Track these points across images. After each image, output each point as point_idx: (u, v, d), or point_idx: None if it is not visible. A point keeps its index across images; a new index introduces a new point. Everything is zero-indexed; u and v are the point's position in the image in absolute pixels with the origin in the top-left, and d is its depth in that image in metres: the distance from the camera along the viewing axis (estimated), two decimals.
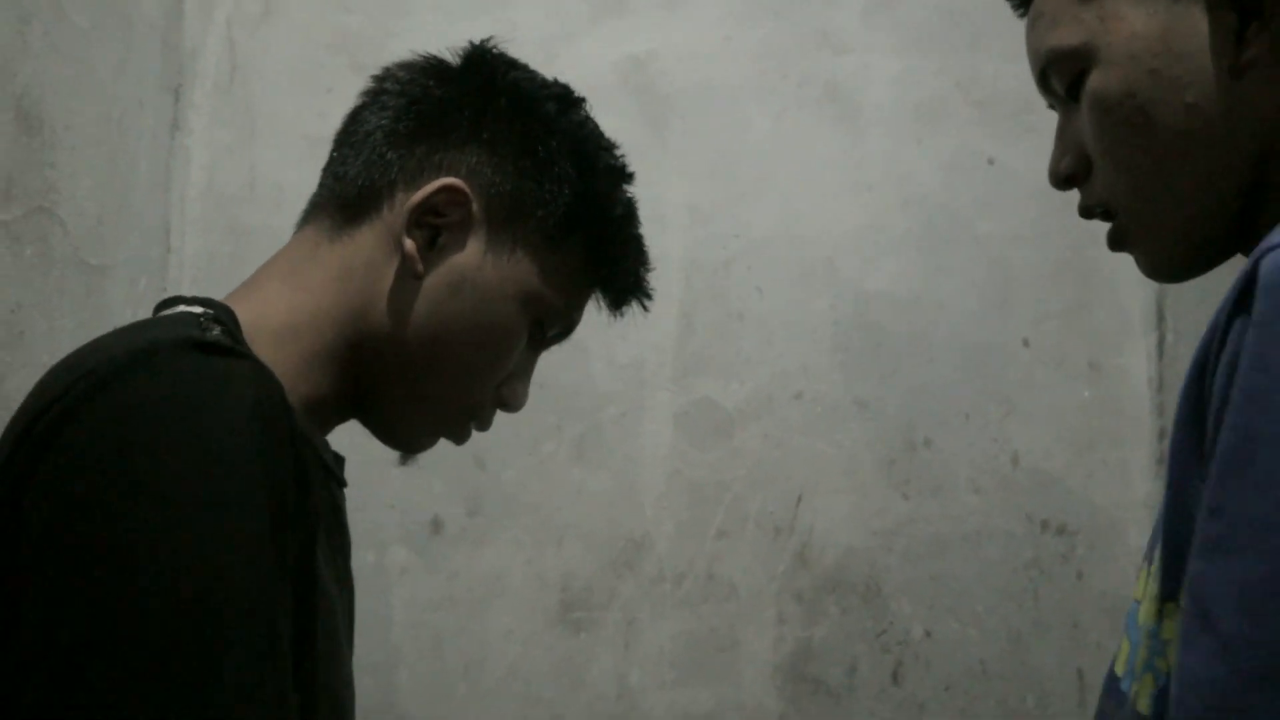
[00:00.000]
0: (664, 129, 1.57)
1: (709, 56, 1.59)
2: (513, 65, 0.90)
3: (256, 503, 0.65)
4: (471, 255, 0.84)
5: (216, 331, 0.71)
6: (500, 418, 0.91)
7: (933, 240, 1.58)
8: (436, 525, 1.46)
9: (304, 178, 1.43)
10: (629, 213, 0.91)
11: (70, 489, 0.62)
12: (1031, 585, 1.54)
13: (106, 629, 0.61)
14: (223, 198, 1.48)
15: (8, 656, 0.62)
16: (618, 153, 0.92)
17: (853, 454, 1.56)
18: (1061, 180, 0.77)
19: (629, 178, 0.92)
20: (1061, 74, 0.75)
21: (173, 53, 1.35)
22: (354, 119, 0.87)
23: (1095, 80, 0.71)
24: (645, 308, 0.96)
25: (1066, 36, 0.73)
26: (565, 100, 0.89)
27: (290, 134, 1.50)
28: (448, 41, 0.88)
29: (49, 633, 0.61)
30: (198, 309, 0.76)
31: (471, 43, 0.89)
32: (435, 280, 0.83)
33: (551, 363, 1.22)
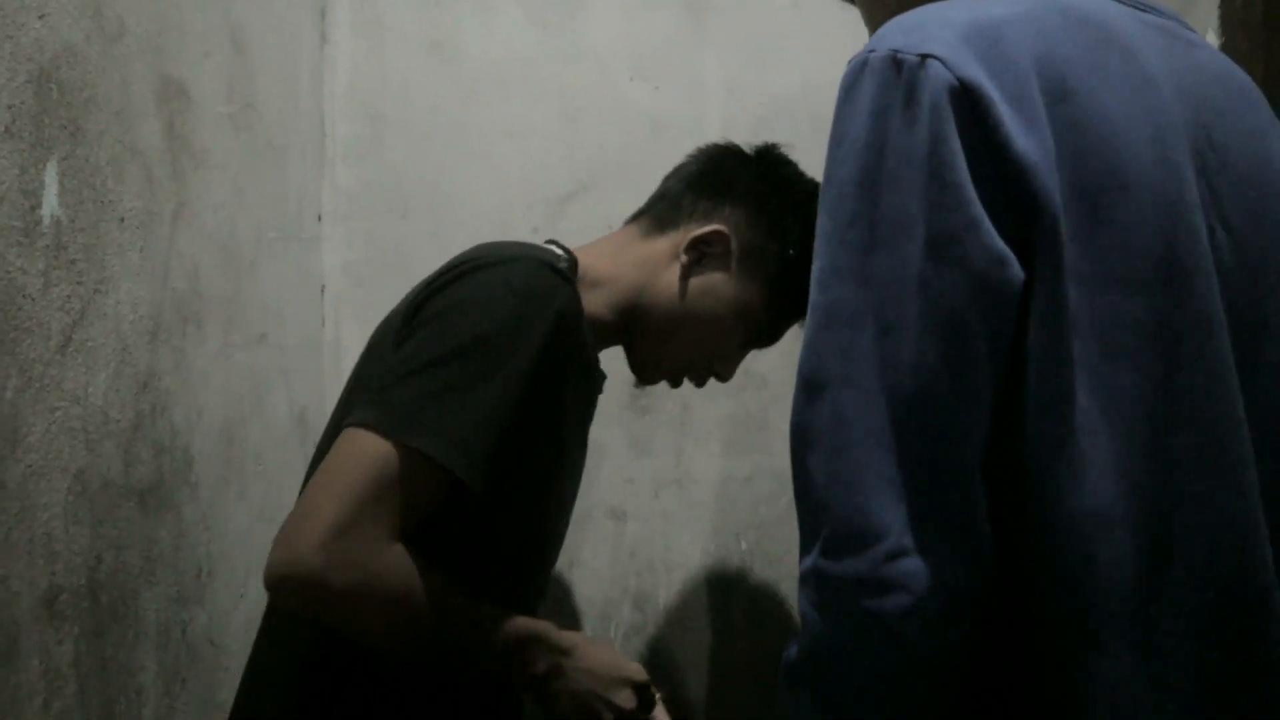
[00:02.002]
0: (702, 16, 1.70)
1: None
2: (785, 163, 1.22)
3: (536, 347, 0.94)
4: (720, 277, 1.15)
5: (564, 266, 1.02)
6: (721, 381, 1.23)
7: None
8: None
9: (423, 75, 1.72)
10: None
11: (447, 306, 0.95)
12: None
13: (437, 350, 0.92)
14: (361, 93, 1.66)
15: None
16: None
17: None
18: None
19: None
20: None
21: None
22: (680, 167, 1.22)
23: None
24: None
25: None
26: (812, 195, 1.12)
27: (411, 41, 1.66)
28: None
29: (410, 348, 0.93)
30: (560, 251, 1.10)
31: (768, 144, 1.23)
32: (693, 286, 1.15)
33: (616, 209, 1.48)
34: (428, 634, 0.92)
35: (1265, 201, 0.75)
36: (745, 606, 1.70)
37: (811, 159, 1.66)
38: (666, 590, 1.70)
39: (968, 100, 0.65)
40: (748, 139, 1.67)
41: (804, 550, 0.67)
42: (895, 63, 0.67)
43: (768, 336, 1.23)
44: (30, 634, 0.84)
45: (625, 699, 1.02)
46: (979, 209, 0.64)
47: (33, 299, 0.85)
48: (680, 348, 1.18)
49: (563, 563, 1.66)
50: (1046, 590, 0.65)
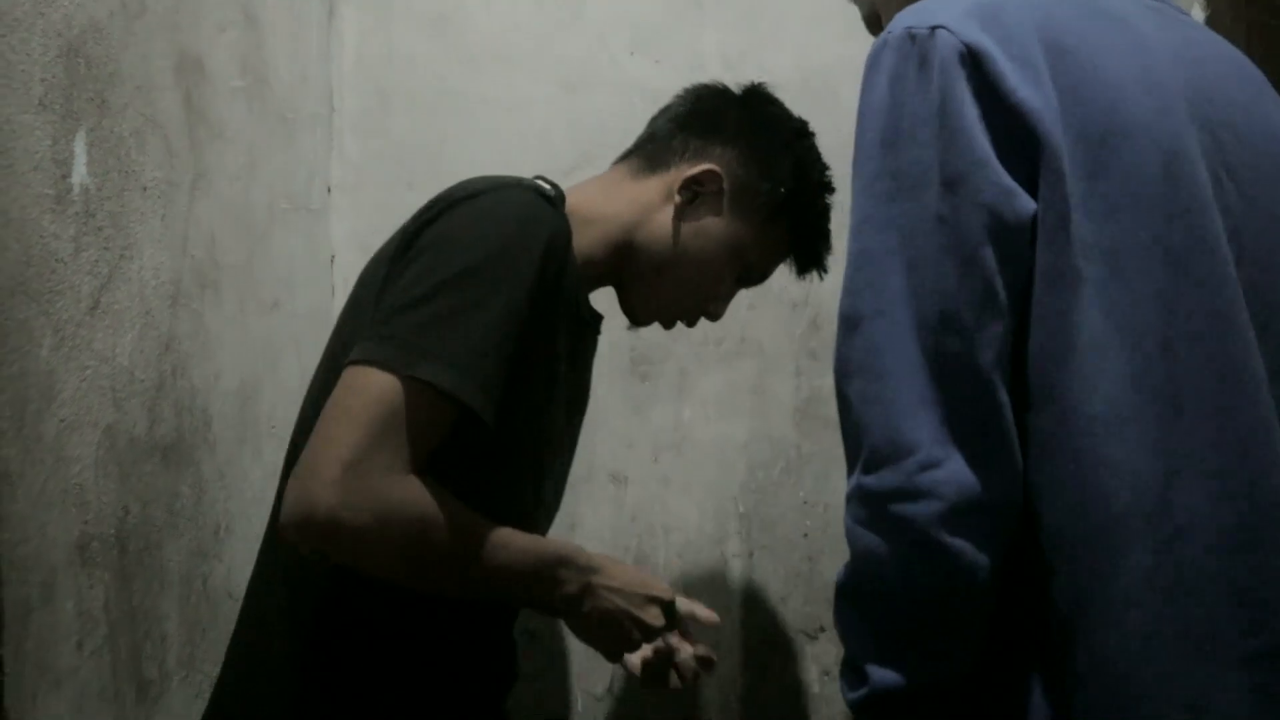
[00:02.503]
0: None
1: None
2: (772, 102, 1.23)
3: (530, 271, 0.94)
4: (712, 216, 1.14)
5: (552, 195, 1.04)
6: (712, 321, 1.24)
7: None
8: None
9: (427, 48, 1.76)
10: (824, 214, 1.22)
11: (438, 237, 0.94)
12: None
13: (432, 281, 0.91)
14: (368, 66, 1.69)
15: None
16: (828, 174, 1.24)
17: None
18: (870, 25, 1.01)
19: (831, 190, 1.23)
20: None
21: None
22: (667, 108, 1.22)
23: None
24: (821, 278, 1.27)
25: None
26: (800, 132, 1.22)
27: (416, 15, 1.69)
28: None
29: (405, 282, 0.92)
30: (548, 185, 1.09)
31: (754, 83, 1.24)
32: (686, 225, 1.14)
33: None
34: (453, 564, 0.93)
35: (1267, 158, 0.80)
36: (742, 567, 1.75)
37: (811, 128, 1.72)
38: (666, 552, 1.75)
39: (971, 58, 0.72)
40: None
41: (849, 472, 0.74)
42: (910, 37, 0.75)
43: (759, 275, 1.24)
44: (65, 578, 0.90)
45: (653, 616, 1.04)
46: (987, 149, 0.71)
47: (65, 263, 0.90)
48: (673, 288, 1.17)
49: (563, 525, 1.71)
50: (1068, 492, 0.71)
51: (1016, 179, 0.72)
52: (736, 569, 1.75)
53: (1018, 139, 0.72)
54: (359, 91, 1.70)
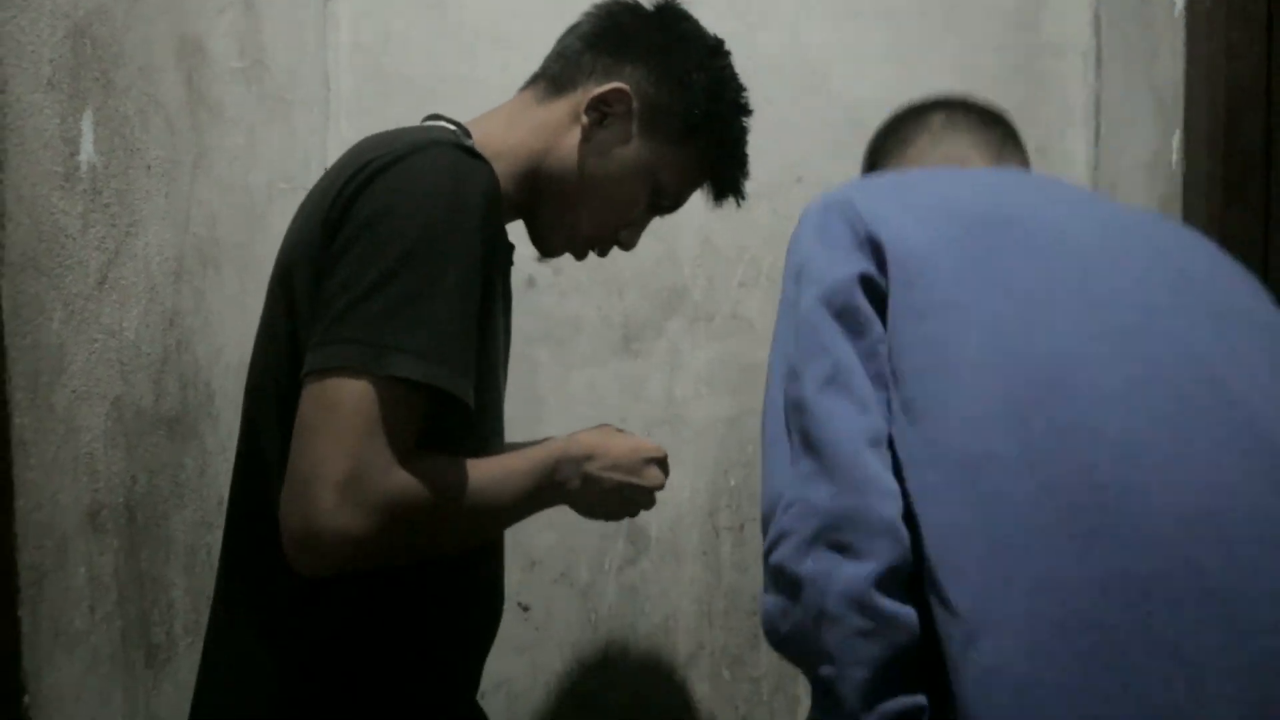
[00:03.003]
0: None
1: None
2: (686, 19, 1.16)
3: (476, 235, 0.89)
4: (622, 137, 1.09)
5: (469, 143, 0.96)
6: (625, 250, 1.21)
7: (907, 53, 1.75)
8: (531, 281, 1.73)
9: (424, 32, 1.78)
10: (739, 136, 1.17)
11: (371, 215, 0.87)
12: None
13: (381, 264, 0.85)
14: (363, 49, 1.70)
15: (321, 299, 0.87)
16: (743, 96, 1.18)
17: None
18: None
19: (747, 112, 1.18)
20: None
21: None
22: (575, 25, 1.15)
23: None
24: (738, 204, 1.22)
25: None
26: (715, 50, 1.15)
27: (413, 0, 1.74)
28: None
29: (349, 270, 0.86)
30: (452, 126, 1.05)
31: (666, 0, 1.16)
32: (595, 147, 1.08)
33: None
34: (470, 521, 0.93)
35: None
36: (732, 538, 1.79)
37: (794, 112, 1.75)
38: (658, 524, 1.79)
39: (848, 204, 0.88)
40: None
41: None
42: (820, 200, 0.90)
43: (671, 201, 1.18)
44: (77, 545, 0.93)
45: (653, 477, 1.07)
46: (825, 248, 0.86)
47: (73, 238, 0.92)
48: (584, 215, 1.12)
49: None
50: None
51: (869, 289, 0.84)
52: (727, 541, 1.79)
53: (863, 235, 0.86)
54: (355, 74, 1.72)
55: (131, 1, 1.03)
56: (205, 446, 1.19)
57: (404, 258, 0.86)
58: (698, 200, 1.66)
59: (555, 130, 1.10)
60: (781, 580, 0.75)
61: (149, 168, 1.06)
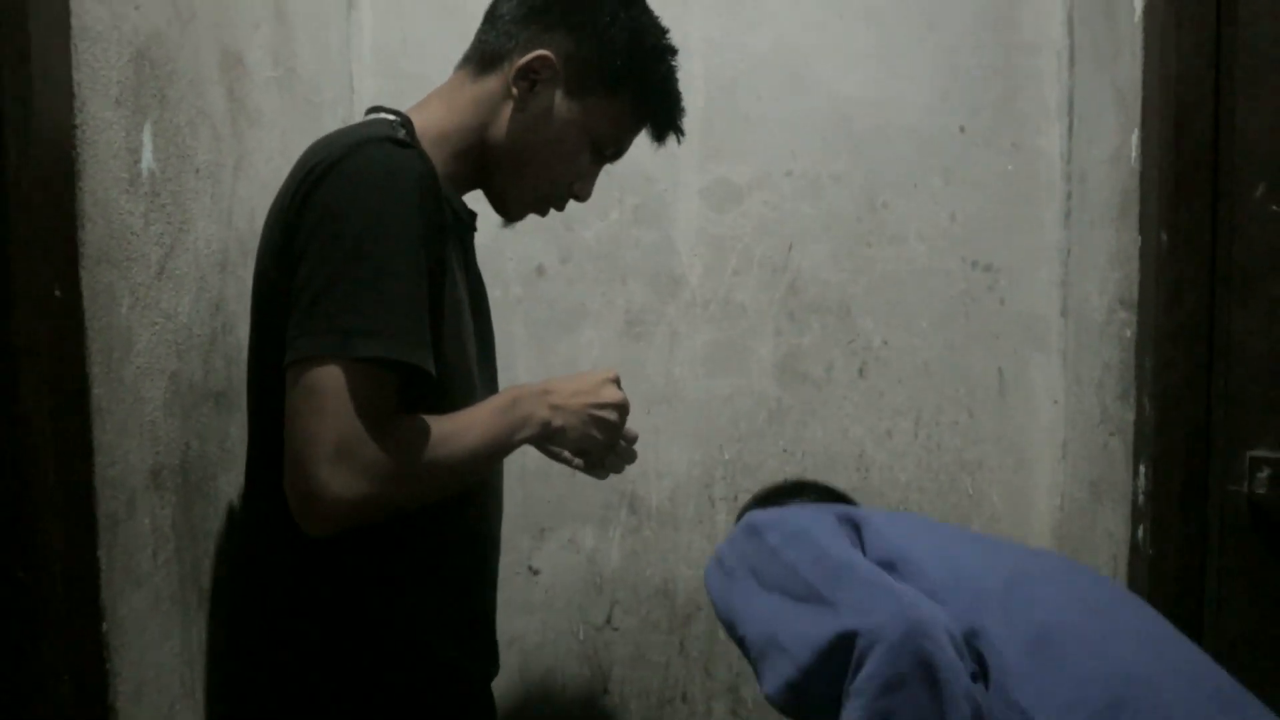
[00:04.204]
0: None
1: None
2: None
3: (414, 220, 0.98)
4: (554, 100, 1.15)
5: (401, 134, 1.05)
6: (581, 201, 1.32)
7: (890, 52, 1.86)
8: (540, 270, 1.86)
9: (440, 36, 1.91)
10: (667, 77, 1.22)
11: (320, 216, 0.98)
12: (963, 309, 1.87)
13: (335, 260, 0.96)
14: (384, 54, 1.83)
15: (286, 296, 1.00)
16: (665, 37, 1.22)
17: (829, 214, 1.86)
18: None
19: (672, 52, 1.23)
20: None
21: None
22: (496, 3, 1.21)
23: None
24: (679, 142, 1.28)
25: None
26: (629, 1, 1.20)
27: (430, 5, 1.83)
28: None
29: (309, 268, 0.98)
30: (391, 116, 1.13)
31: None
32: (530, 114, 1.15)
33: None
34: (454, 467, 1.03)
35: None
36: (727, 508, 1.92)
37: (783, 108, 1.87)
38: (658, 495, 1.92)
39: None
40: (728, 90, 1.87)
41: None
42: None
43: (614, 150, 1.25)
44: (142, 499, 1.07)
45: (613, 394, 1.18)
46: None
47: (137, 235, 1.07)
48: (533, 177, 1.20)
49: (564, 471, 1.87)
50: None
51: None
52: (722, 511, 1.92)
53: None
54: (376, 77, 1.85)
55: (183, 24, 1.17)
56: (245, 417, 1.33)
57: (353, 252, 0.97)
58: (691, 191, 1.87)
59: (491, 105, 1.17)
60: None
61: (198, 171, 1.20)
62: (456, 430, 1.04)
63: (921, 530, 1.22)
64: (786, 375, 1.90)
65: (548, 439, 1.16)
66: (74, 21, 0.95)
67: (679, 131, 1.27)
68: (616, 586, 1.93)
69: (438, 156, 1.13)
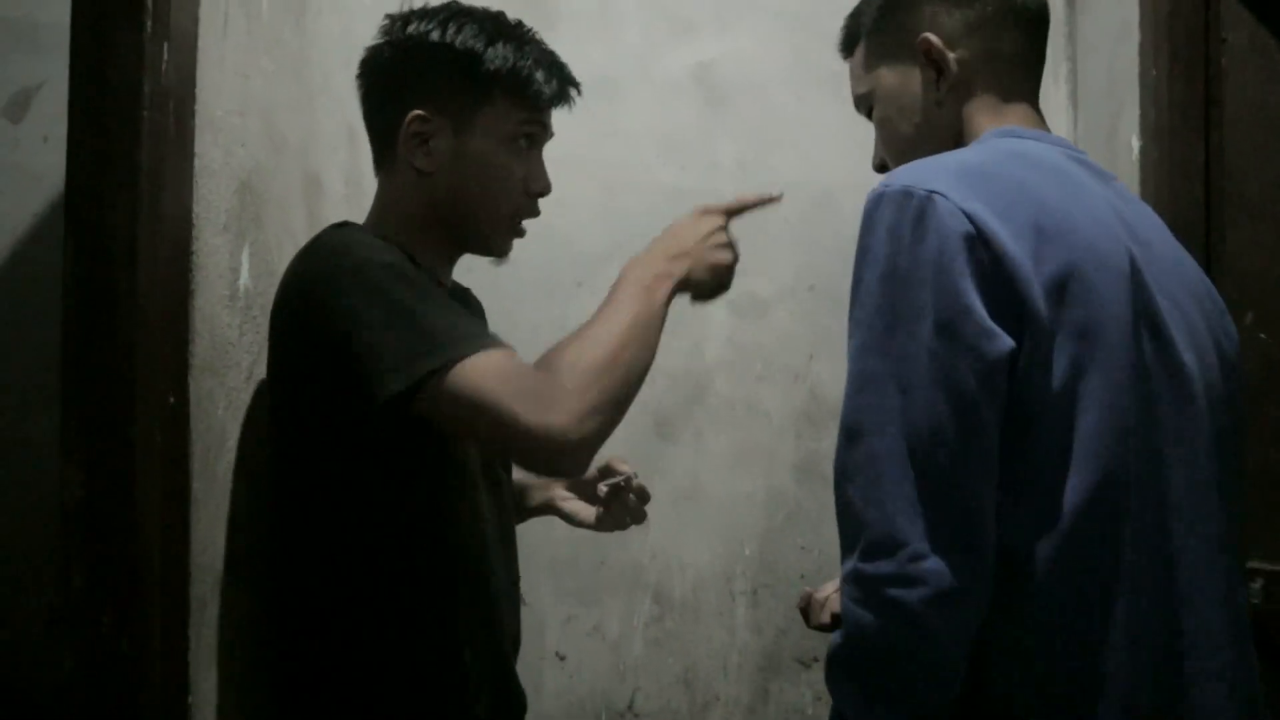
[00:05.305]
0: (721, 110, 2.03)
1: (751, 59, 2.03)
2: (412, 20, 1.19)
3: (396, 260, 1.07)
4: (450, 142, 1.17)
5: (350, 223, 1.19)
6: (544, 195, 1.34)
7: None
8: None
9: None
10: (518, 50, 1.18)
11: (300, 297, 1.10)
12: None
13: (363, 303, 1.03)
14: None
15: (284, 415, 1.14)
16: (499, 22, 1.20)
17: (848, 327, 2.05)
18: (877, 168, 1.14)
19: (516, 30, 1.20)
20: (862, 107, 1.14)
21: None
22: (360, 103, 1.24)
23: (876, 111, 1.11)
24: (578, 93, 1.23)
25: (860, 87, 1.13)
26: (443, 22, 1.18)
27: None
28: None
29: (345, 331, 1.03)
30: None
31: (385, 17, 1.22)
32: (442, 168, 1.18)
33: None
34: (632, 348, 1.05)
35: (1184, 291, 1.00)
36: (747, 602, 2.01)
37: (808, 226, 2.01)
38: (681, 587, 2.02)
39: (971, 223, 0.86)
40: (758, 212, 1.98)
41: (845, 556, 0.88)
42: (907, 194, 0.89)
43: (530, 136, 1.23)
44: (225, 584, 1.18)
45: (711, 224, 1.15)
46: (974, 298, 0.85)
47: (233, 345, 1.20)
48: (488, 208, 1.21)
49: (592, 562, 1.98)
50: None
51: (999, 319, 0.84)
52: (742, 604, 2.01)
53: (1005, 286, 0.85)
54: None
55: (278, 155, 1.32)
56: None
57: (370, 290, 1.04)
58: (719, 301, 1.96)
59: (407, 182, 1.20)
60: (908, 622, 0.85)
61: None
62: (609, 320, 1.06)
63: None
64: (806, 476, 2.00)
65: (680, 289, 1.15)
66: (196, 163, 1.09)
67: (569, 82, 1.24)
68: (639, 674, 2.01)
69: (407, 239, 1.19)
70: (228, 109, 1.16)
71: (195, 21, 1.06)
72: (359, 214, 1.65)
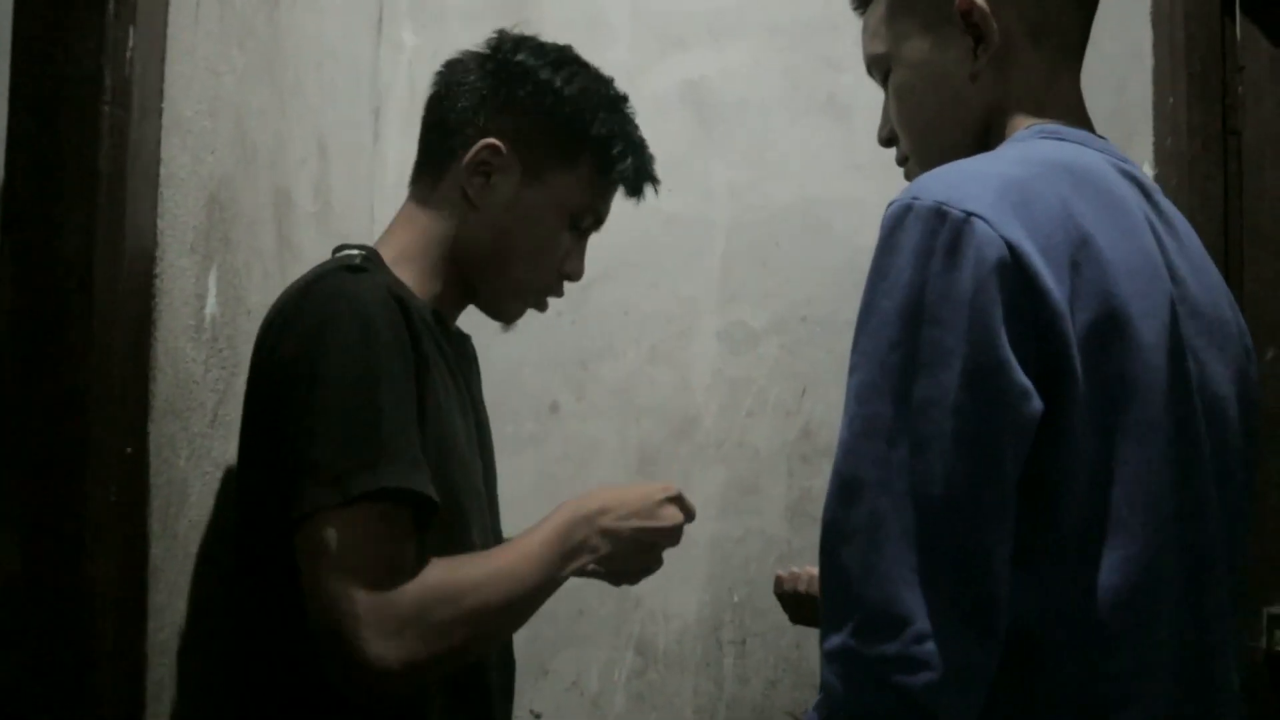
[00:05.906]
0: (712, 131, 1.91)
1: (744, 78, 1.92)
2: (518, 48, 1.12)
3: (379, 342, 0.92)
4: (514, 186, 1.08)
5: (358, 261, 1.02)
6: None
7: None
8: (554, 407, 1.84)
9: None
10: (622, 127, 1.13)
11: (290, 357, 0.94)
12: None
13: (316, 399, 0.90)
14: (405, 188, 1.55)
15: (264, 441, 0.94)
16: (610, 89, 1.14)
17: (842, 360, 1.76)
18: (883, 141, 0.98)
19: (622, 100, 1.15)
20: (876, 70, 0.96)
21: (372, 87, 1.83)
22: (424, 115, 1.15)
23: (894, 77, 0.93)
24: (655, 191, 1.18)
25: (877, 46, 0.95)
26: (560, 63, 1.12)
27: None
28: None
29: (286, 426, 0.91)
30: (355, 251, 1.06)
31: (493, 39, 1.13)
32: (494, 208, 1.08)
33: (633, 295, 1.70)
34: (501, 609, 0.96)
35: (1215, 322, 0.90)
36: (736, 652, 1.88)
37: (802, 255, 1.90)
38: (665, 638, 1.88)
39: (1011, 255, 0.73)
40: (750, 237, 1.90)
41: (832, 630, 0.75)
42: (940, 214, 0.75)
43: (593, 219, 1.17)
44: (184, 664, 1.01)
45: (671, 515, 1.08)
46: (1009, 350, 0.72)
47: (197, 383, 1.03)
48: (518, 272, 1.13)
49: (570, 611, 1.84)
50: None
51: (1031, 373, 0.73)
52: (730, 654, 1.88)
53: (1040, 335, 0.74)
54: (395, 205, 1.81)
55: (246, 165, 1.16)
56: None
57: (323, 393, 0.91)
58: (708, 333, 1.88)
59: (452, 212, 1.10)
60: (914, 709, 0.73)
61: (250, 312, 1.18)
62: (505, 566, 0.97)
63: None
64: (798, 517, 1.89)
65: (598, 567, 1.07)
66: (162, 170, 0.94)
67: (653, 180, 1.18)
68: None
69: (413, 280, 1.08)
70: (197, 109, 1.01)
71: (165, 4, 0.91)
72: (329, 235, 1.53)
